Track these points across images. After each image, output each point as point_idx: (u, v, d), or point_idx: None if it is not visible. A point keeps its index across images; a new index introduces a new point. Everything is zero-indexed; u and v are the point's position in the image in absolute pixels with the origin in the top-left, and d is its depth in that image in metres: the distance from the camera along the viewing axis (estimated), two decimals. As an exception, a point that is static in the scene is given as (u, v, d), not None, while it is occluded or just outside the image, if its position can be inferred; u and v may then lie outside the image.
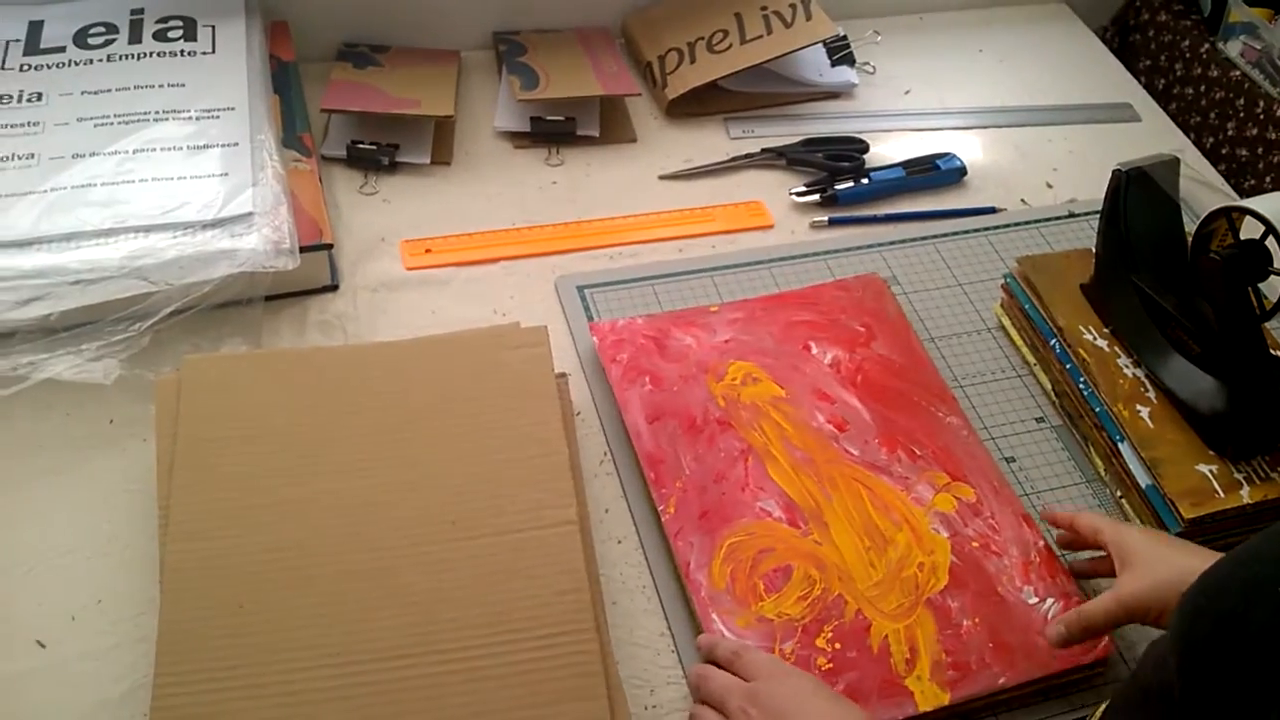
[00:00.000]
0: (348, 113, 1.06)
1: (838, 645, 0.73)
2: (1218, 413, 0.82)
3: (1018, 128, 1.20)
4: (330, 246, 0.92)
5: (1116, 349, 0.89)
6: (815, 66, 1.22)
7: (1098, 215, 0.93)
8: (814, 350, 0.91)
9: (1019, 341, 0.95)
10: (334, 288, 0.95)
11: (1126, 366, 0.87)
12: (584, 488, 0.80)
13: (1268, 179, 1.28)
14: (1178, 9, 1.43)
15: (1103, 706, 0.57)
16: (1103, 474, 0.87)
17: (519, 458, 0.76)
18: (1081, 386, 0.87)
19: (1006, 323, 0.97)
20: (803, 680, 0.69)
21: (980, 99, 1.24)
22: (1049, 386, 0.92)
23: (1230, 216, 0.83)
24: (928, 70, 1.27)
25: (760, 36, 1.17)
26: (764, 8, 1.19)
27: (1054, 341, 0.90)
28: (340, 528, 0.72)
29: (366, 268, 0.97)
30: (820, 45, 1.21)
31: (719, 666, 0.71)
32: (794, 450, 0.84)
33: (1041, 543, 0.79)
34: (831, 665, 0.72)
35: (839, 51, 1.23)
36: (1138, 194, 0.89)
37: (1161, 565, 0.69)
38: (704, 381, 0.88)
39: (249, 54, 1.02)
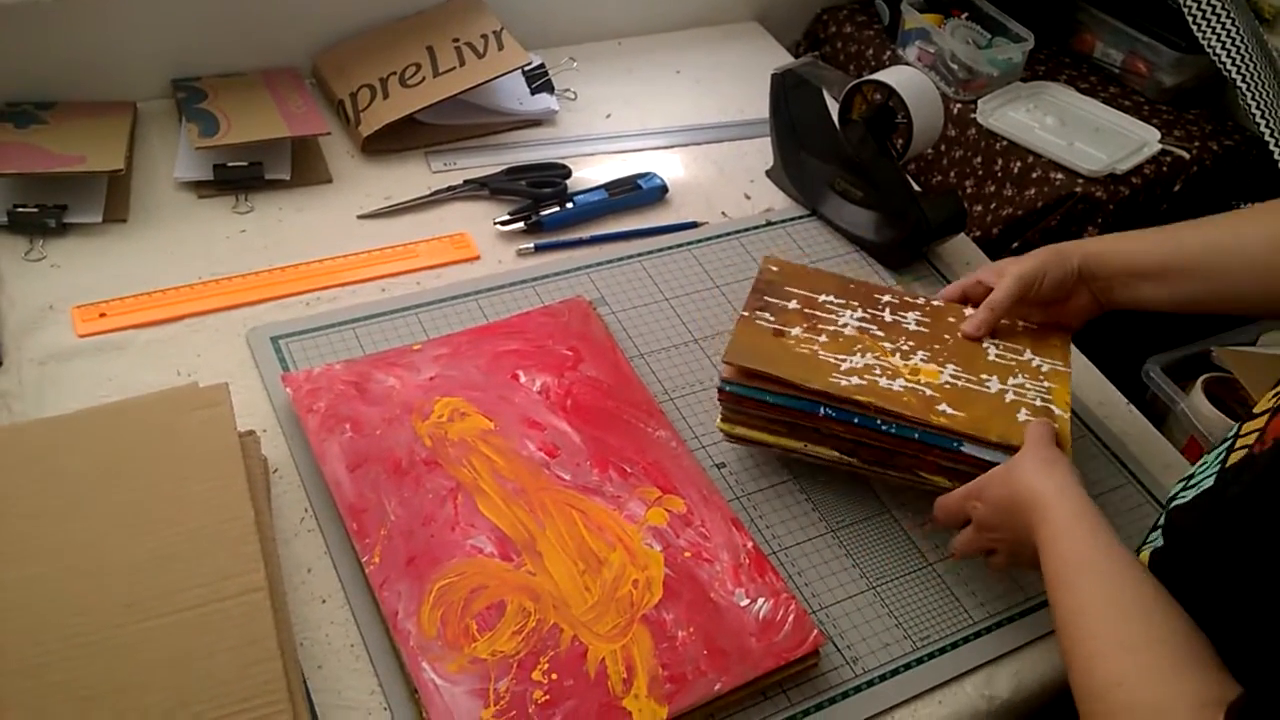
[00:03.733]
0: (3, 176, 0.98)
1: (554, 675, 0.71)
2: (885, 239, 1.09)
3: (716, 143, 1.24)
4: (-19, 322, 0.85)
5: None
6: (515, 95, 1.21)
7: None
8: (522, 378, 0.90)
9: (723, 349, 0.97)
10: (-5, 365, 0.87)
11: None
12: (276, 550, 0.75)
13: (952, 174, 1.37)
14: (861, 20, 1.52)
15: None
16: (808, 469, 0.89)
17: (199, 527, 0.71)
18: (781, 386, 0.90)
19: (711, 332, 0.99)
20: (1001, 469, 0.76)
21: (680, 118, 1.27)
22: (753, 390, 0.94)
23: (861, 90, 1.11)
24: (628, 93, 1.29)
25: (453, 68, 1.16)
26: (456, 39, 1.18)
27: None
28: (-4, 626, 0.65)
29: (34, 339, 0.89)
30: (519, 74, 1.21)
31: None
32: (505, 482, 0.82)
33: (750, 544, 0.81)
34: (549, 697, 0.70)
35: (538, 79, 1.23)
36: (793, 90, 1.13)
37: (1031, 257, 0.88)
38: (409, 422, 0.85)
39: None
